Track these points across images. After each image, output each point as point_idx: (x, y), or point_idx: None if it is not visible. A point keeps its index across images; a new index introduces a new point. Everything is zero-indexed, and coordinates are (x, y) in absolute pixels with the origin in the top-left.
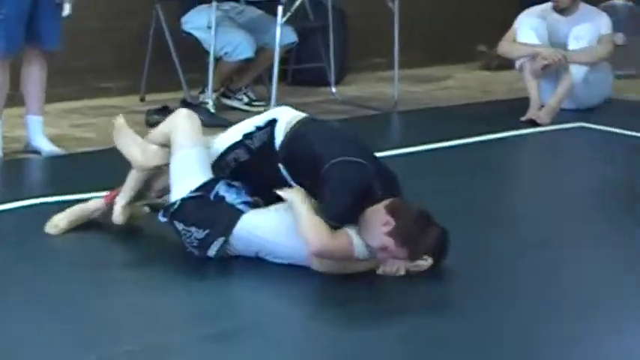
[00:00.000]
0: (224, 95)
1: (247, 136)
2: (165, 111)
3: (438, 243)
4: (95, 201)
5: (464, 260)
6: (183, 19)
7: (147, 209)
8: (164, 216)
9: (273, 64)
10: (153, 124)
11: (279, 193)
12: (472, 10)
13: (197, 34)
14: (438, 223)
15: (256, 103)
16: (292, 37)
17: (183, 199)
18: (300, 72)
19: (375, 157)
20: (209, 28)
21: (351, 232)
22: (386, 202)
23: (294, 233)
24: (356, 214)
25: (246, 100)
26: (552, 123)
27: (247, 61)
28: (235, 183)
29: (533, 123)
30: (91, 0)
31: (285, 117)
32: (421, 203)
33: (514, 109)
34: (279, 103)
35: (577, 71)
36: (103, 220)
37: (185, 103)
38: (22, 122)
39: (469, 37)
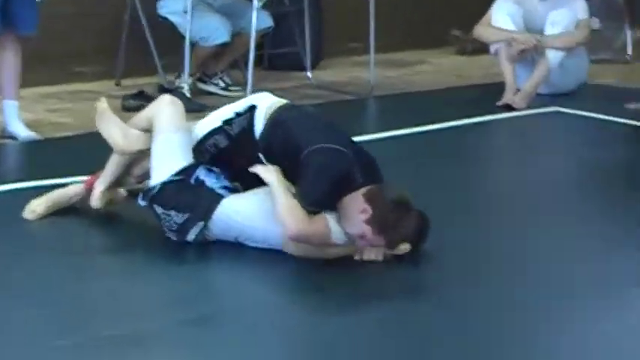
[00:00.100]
0: (200, 80)
1: (227, 122)
2: (141, 96)
3: (416, 230)
4: (74, 186)
5: (441, 245)
6: (159, 4)
7: (125, 193)
8: (143, 199)
9: (249, 48)
10: (129, 109)
11: (255, 170)
12: None
13: (173, 18)
14: (417, 209)
15: (232, 88)
16: (268, 22)
17: (163, 183)
18: (276, 57)
19: (354, 142)
20: (185, 12)
21: (328, 216)
22: (364, 189)
23: (273, 217)
24: (334, 201)
25: (222, 84)
26: (528, 107)
27: (223, 45)
28: (215, 168)
29: (508, 107)
30: None
31: (265, 103)
32: (402, 186)
33: (490, 94)
34: (255, 88)
35: (554, 56)
36: (81, 205)
37: (162, 88)
38: None
39: (443, 22)
